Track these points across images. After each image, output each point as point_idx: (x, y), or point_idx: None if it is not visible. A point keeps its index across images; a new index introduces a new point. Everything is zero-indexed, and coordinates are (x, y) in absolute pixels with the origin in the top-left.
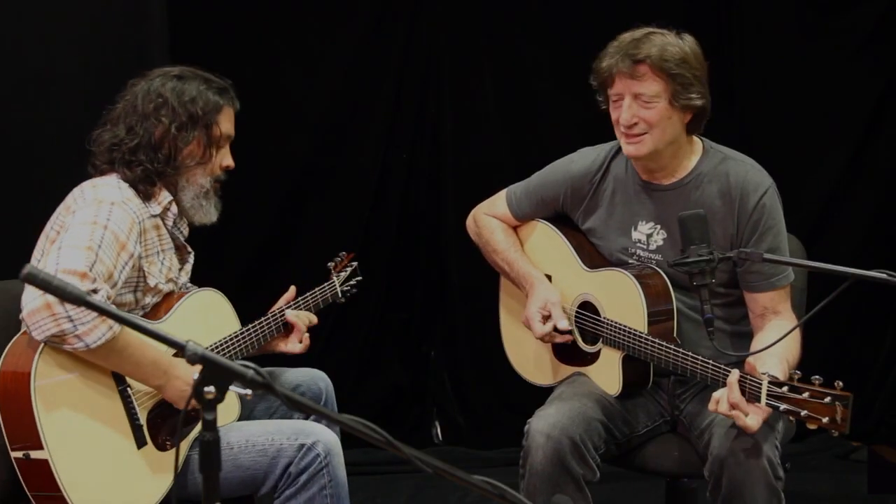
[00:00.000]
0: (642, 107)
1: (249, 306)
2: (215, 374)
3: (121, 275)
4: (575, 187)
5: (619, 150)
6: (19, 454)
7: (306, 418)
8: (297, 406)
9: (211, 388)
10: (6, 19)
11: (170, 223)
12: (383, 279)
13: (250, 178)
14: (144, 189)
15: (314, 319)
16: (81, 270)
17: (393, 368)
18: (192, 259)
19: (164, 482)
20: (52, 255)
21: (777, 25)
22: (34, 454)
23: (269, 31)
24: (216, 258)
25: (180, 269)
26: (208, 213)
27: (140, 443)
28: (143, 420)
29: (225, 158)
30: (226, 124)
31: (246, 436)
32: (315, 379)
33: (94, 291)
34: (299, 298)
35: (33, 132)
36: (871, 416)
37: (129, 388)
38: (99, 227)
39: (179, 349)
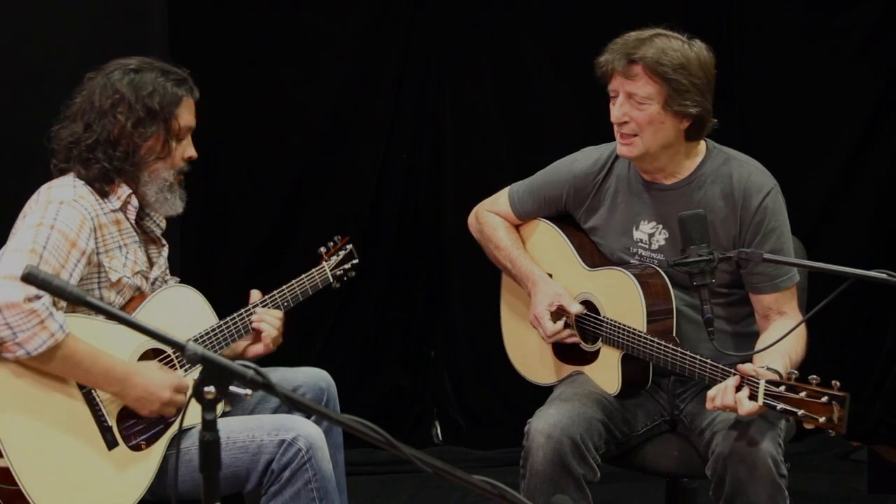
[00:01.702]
0: (634, 107)
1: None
2: (215, 374)
3: (73, 273)
4: (578, 186)
5: None
6: None
7: (307, 416)
8: (297, 406)
9: (211, 388)
10: (6, 19)
11: (132, 216)
12: (383, 279)
13: (250, 177)
14: (101, 187)
15: (279, 316)
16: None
17: (393, 368)
18: (165, 252)
19: (140, 483)
20: None
21: (777, 25)
22: None
23: (269, 31)
24: (216, 258)
25: (151, 264)
26: (174, 206)
27: (111, 444)
28: (111, 422)
29: (187, 150)
30: (186, 116)
31: (227, 432)
32: (317, 379)
33: (37, 297)
34: (293, 282)
35: (33, 132)
36: (871, 416)
37: (94, 391)
38: (45, 228)
39: (179, 349)
